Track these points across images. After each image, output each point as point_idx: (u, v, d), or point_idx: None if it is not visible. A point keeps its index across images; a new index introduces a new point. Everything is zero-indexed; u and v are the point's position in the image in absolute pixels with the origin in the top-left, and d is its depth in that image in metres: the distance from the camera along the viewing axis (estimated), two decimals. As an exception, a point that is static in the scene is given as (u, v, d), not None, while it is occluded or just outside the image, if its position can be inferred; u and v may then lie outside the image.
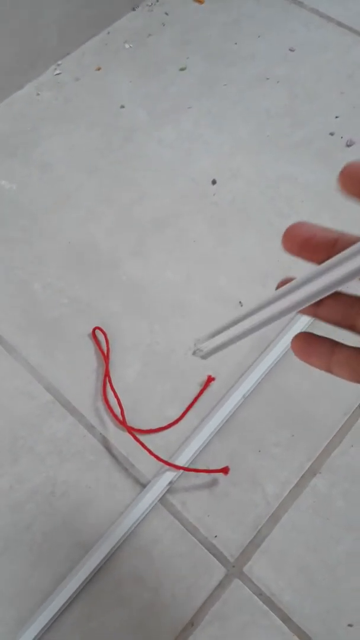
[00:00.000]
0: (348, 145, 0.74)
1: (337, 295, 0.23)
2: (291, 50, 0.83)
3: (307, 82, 0.80)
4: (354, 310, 0.23)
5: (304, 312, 0.24)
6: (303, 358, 0.25)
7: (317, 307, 0.24)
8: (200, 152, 0.75)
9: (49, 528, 0.54)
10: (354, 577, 0.52)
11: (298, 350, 0.25)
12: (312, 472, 0.56)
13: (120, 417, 0.58)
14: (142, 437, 0.57)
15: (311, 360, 0.25)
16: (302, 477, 0.56)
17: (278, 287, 0.23)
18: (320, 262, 0.22)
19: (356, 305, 0.23)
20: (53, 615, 0.50)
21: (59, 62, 0.83)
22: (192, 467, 0.55)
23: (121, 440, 0.57)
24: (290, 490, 0.55)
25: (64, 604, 0.51)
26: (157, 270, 0.67)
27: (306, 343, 0.25)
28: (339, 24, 0.85)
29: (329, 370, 0.24)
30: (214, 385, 0.60)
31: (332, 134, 0.75)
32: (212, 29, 0.85)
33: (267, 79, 0.81)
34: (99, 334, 0.62)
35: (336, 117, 0.77)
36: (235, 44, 0.84)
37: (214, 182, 0.72)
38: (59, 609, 0.51)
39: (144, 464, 0.56)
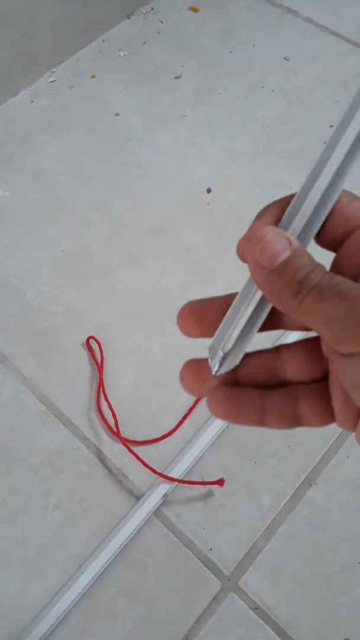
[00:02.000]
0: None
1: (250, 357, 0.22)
2: (286, 59, 0.83)
3: (301, 90, 0.80)
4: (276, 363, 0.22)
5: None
6: (233, 422, 0.22)
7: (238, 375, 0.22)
8: (195, 160, 0.75)
9: (42, 541, 0.53)
10: (350, 590, 0.52)
11: (220, 413, 0.22)
12: (308, 483, 0.56)
13: (114, 428, 0.57)
14: (136, 449, 0.56)
15: (242, 422, 0.22)
16: (298, 488, 0.55)
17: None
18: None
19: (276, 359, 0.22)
20: (47, 630, 0.49)
21: (54, 70, 0.83)
22: (187, 478, 0.55)
23: (115, 451, 0.57)
24: (286, 502, 0.55)
25: (57, 619, 0.50)
26: (152, 278, 0.66)
27: (228, 402, 0.21)
28: (334, 33, 0.85)
29: (262, 425, 0.22)
30: (209, 395, 0.59)
31: (326, 142, 0.75)
32: (207, 37, 0.85)
33: (262, 87, 0.81)
34: (92, 343, 0.62)
35: (330, 125, 0.77)
36: (231, 52, 0.84)
37: (208, 190, 0.72)
38: (53, 624, 0.50)
39: (138, 476, 0.55)
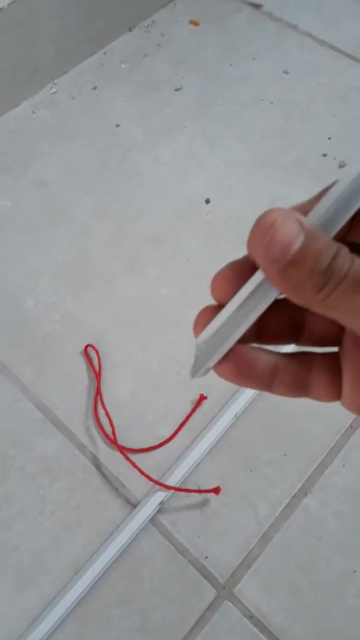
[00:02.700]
0: (341, 167, 0.75)
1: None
2: (285, 72, 0.84)
3: (300, 103, 0.81)
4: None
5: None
6: (238, 383, 0.20)
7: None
8: (195, 171, 0.76)
9: (38, 548, 0.54)
10: (345, 598, 0.52)
11: (233, 375, 0.20)
12: (304, 491, 0.56)
13: (111, 435, 0.58)
14: (133, 456, 0.56)
15: (248, 384, 0.20)
16: (293, 496, 0.56)
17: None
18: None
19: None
20: (42, 637, 0.49)
21: (56, 81, 0.84)
22: (183, 486, 0.55)
23: (112, 459, 0.57)
24: (281, 510, 0.55)
25: (52, 626, 0.50)
26: (151, 287, 0.67)
27: (242, 364, 0.19)
28: (332, 47, 0.86)
29: (268, 389, 0.20)
30: (206, 404, 0.60)
31: (325, 155, 0.76)
32: (208, 50, 0.87)
33: (262, 100, 0.82)
34: (91, 351, 0.62)
35: (329, 138, 0.78)
36: (230, 65, 0.85)
37: (207, 201, 0.73)
38: (48, 632, 0.50)
39: (135, 484, 0.56)
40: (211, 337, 0.19)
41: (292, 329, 0.20)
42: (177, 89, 0.83)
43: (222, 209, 0.72)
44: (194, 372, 0.20)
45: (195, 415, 0.59)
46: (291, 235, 0.16)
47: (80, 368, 0.62)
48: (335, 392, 0.20)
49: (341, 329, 0.20)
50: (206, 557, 0.53)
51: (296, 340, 0.21)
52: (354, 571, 0.53)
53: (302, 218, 0.16)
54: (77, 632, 0.51)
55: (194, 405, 0.60)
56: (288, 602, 0.51)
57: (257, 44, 0.87)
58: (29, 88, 0.82)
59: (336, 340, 0.20)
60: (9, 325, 0.65)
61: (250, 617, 0.51)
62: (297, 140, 0.78)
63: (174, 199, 0.73)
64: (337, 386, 0.20)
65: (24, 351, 0.63)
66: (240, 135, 0.79)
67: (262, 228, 0.16)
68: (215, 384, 0.61)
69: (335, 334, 0.20)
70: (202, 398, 0.60)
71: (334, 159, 0.76)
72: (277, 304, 0.19)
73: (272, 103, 0.81)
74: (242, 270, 0.19)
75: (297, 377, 0.20)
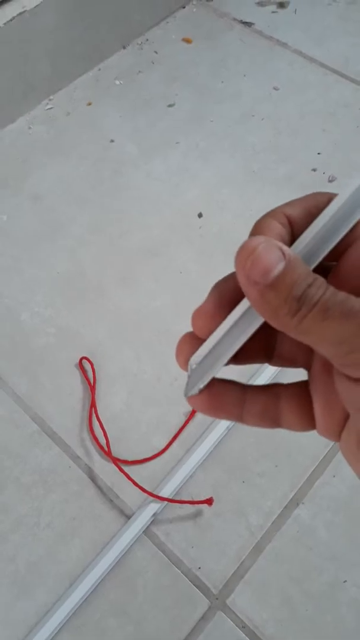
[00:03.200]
0: (330, 181, 0.77)
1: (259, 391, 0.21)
2: (275, 89, 0.86)
3: (290, 119, 0.83)
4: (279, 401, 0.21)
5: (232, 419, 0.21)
6: (211, 415, 0.21)
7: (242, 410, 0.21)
8: (188, 185, 0.77)
9: (33, 559, 0.54)
10: (336, 608, 0.52)
11: (204, 407, 0.21)
12: (295, 502, 0.57)
13: (105, 447, 0.58)
14: (127, 468, 0.57)
15: (220, 416, 0.21)
16: (285, 507, 0.57)
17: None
18: None
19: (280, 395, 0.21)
20: (35, 649, 0.50)
21: (51, 97, 0.86)
22: (176, 498, 0.56)
23: (106, 470, 0.58)
24: (273, 521, 0.56)
25: (48, 637, 0.50)
26: (145, 300, 0.68)
27: (212, 396, 0.21)
28: (321, 64, 0.88)
29: (239, 420, 0.21)
30: (199, 415, 0.61)
31: (314, 169, 0.78)
32: (200, 67, 0.88)
33: (253, 115, 0.83)
34: (85, 363, 0.63)
35: (318, 153, 0.80)
36: (222, 82, 0.87)
37: (200, 215, 0.74)
38: (42, 643, 0.50)
39: (129, 495, 0.56)
40: (203, 359, 0.20)
41: (264, 349, 0.21)
42: (170, 105, 0.85)
43: (214, 222, 0.74)
44: (187, 392, 0.21)
45: (188, 426, 0.60)
46: (271, 261, 0.17)
47: (75, 380, 0.63)
48: (307, 421, 0.20)
49: (310, 351, 0.21)
50: (199, 568, 0.54)
51: (269, 359, 0.22)
52: (345, 581, 0.53)
53: (285, 247, 0.18)
54: (72, 643, 0.51)
55: (187, 417, 0.60)
56: (280, 612, 0.52)
57: (248, 61, 0.89)
58: (24, 104, 0.83)
59: (305, 363, 0.21)
60: (5, 338, 0.66)
61: (243, 627, 0.52)
62: (288, 155, 0.79)
63: (167, 212, 0.75)
64: (308, 415, 0.20)
65: (20, 363, 0.64)
66: (233, 150, 0.80)
67: (246, 252, 0.17)
68: (208, 395, 0.61)
69: (305, 357, 0.21)
70: (195, 410, 0.60)
71: (324, 173, 0.78)
72: None
73: (262, 119, 0.83)
74: (220, 307, 0.20)
75: (266, 408, 0.21)
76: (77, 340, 0.65)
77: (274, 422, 0.21)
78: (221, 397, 0.21)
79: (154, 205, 0.76)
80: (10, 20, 0.75)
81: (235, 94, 0.86)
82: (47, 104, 0.85)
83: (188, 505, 0.56)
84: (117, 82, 0.87)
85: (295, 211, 0.19)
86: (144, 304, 0.68)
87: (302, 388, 0.21)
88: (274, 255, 0.17)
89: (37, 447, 0.59)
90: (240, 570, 0.54)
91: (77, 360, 0.63)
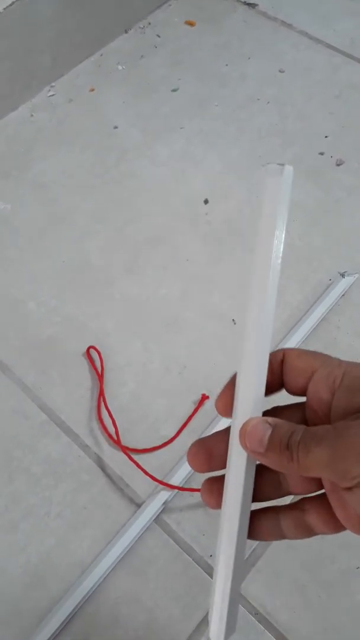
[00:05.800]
0: (338, 165, 0.76)
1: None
2: (281, 71, 0.85)
3: (296, 102, 0.82)
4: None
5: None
6: (259, 539, 0.26)
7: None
8: (192, 172, 0.76)
9: (44, 549, 0.54)
10: (350, 596, 0.52)
11: (251, 533, 0.26)
12: (307, 489, 0.56)
13: (114, 436, 0.58)
14: (136, 457, 0.57)
15: (263, 539, 0.26)
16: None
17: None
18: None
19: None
20: (49, 637, 0.50)
21: (53, 84, 0.84)
22: (186, 486, 0.56)
23: (116, 459, 0.58)
24: (284, 508, 0.56)
25: (59, 626, 0.51)
26: (151, 288, 0.68)
27: (253, 524, 0.25)
28: (328, 45, 0.87)
29: (283, 539, 0.25)
30: (208, 403, 0.60)
31: (322, 153, 0.77)
32: (203, 50, 0.87)
33: (258, 99, 0.82)
34: (93, 352, 0.63)
35: (325, 136, 0.78)
36: (226, 65, 0.85)
37: (206, 201, 0.73)
38: (55, 631, 0.50)
39: (139, 484, 0.56)
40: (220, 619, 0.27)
41: (276, 487, 0.26)
42: (173, 90, 0.83)
43: (220, 208, 0.73)
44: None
45: (197, 415, 0.60)
46: (261, 433, 0.23)
47: (83, 369, 0.62)
48: (334, 525, 0.24)
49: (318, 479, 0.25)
50: (211, 556, 0.54)
51: (285, 494, 0.26)
52: (358, 567, 0.53)
53: (271, 419, 0.23)
54: (85, 631, 0.51)
55: (196, 405, 0.60)
56: (293, 600, 0.52)
57: (252, 43, 0.87)
58: (26, 91, 0.82)
59: (318, 486, 0.25)
60: (12, 329, 0.65)
61: (256, 614, 0.52)
62: (294, 139, 0.78)
63: (172, 199, 0.74)
64: (332, 520, 0.24)
65: (27, 354, 0.64)
66: (238, 134, 0.79)
67: (243, 432, 0.24)
68: (216, 384, 0.61)
69: (315, 482, 0.25)
70: (204, 398, 0.60)
71: (331, 157, 0.76)
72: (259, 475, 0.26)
73: (268, 102, 0.82)
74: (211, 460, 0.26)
75: (296, 524, 0.25)
76: (84, 330, 0.65)
77: (309, 532, 0.25)
78: (261, 525, 0.26)
79: (159, 192, 0.75)
80: (10, 5, 0.73)
81: (240, 77, 0.84)
82: (49, 90, 0.84)
83: (198, 493, 0.56)
84: (120, 67, 0.86)
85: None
86: (150, 292, 0.67)
87: (323, 500, 0.24)
88: (261, 428, 0.23)
89: (46, 437, 0.59)
90: (252, 558, 0.54)
91: (85, 350, 0.63)
